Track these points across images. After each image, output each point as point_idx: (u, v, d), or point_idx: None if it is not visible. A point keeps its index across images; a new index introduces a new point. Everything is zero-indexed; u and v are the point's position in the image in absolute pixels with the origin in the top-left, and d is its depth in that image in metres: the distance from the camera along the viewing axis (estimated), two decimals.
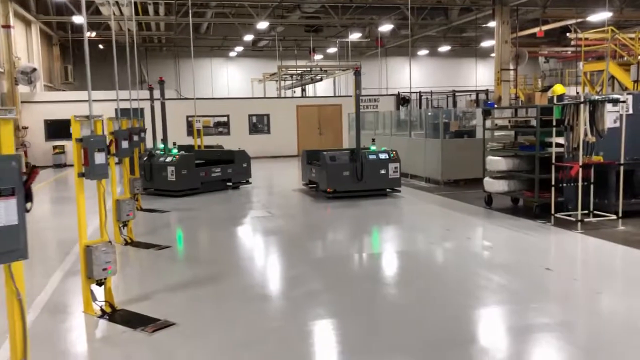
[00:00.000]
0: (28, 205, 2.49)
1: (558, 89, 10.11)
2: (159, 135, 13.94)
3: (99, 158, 5.18)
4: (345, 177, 11.74)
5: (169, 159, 12.85)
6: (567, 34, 27.79)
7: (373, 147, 12.43)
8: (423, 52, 36.89)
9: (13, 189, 2.39)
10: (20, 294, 2.62)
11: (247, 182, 14.31)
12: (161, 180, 12.74)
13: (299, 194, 13.02)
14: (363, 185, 11.81)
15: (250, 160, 14.34)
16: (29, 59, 22.61)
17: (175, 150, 13.40)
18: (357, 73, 12.08)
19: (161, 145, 13.84)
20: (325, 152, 12.25)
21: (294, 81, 34.59)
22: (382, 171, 11.93)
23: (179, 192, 12.64)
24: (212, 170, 13.40)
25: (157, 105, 13.88)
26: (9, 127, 2.57)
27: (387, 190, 12.21)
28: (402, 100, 25.41)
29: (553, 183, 8.53)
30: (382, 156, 12.05)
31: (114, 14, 22.19)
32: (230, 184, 13.84)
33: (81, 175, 5.15)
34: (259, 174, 16.91)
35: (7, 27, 19.52)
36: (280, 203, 12.27)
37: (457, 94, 30.05)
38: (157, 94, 13.87)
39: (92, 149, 5.13)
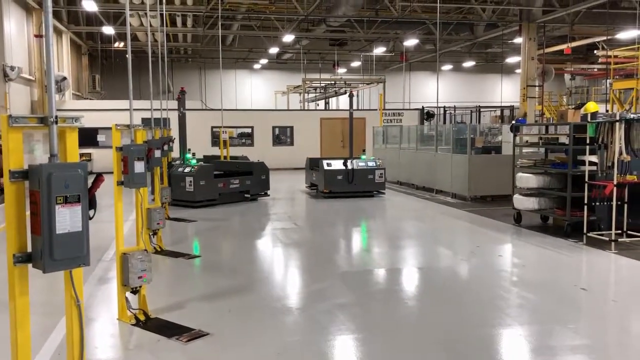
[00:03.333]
0: (91, 212, 2.53)
1: (591, 106, 10.00)
2: (188, 145, 14.05)
3: (139, 167, 5.24)
4: (339, 180, 14.21)
5: (187, 170, 12.82)
6: (595, 51, 27.53)
7: (363, 157, 14.96)
8: (447, 67, 36.84)
9: (79, 196, 2.42)
10: (79, 300, 2.64)
11: (265, 194, 14.32)
12: (179, 190, 12.67)
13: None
14: (354, 187, 14.29)
15: (268, 172, 14.37)
16: (59, 67, 23.04)
17: (194, 161, 13.40)
18: (351, 95, 15.00)
19: (187, 155, 13.91)
20: (323, 159, 14.67)
21: (317, 94, 34.74)
22: (370, 176, 14.42)
23: (197, 202, 12.60)
24: (231, 182, 13.38)
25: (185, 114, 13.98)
26: (75, 135, 2.62)
27: (374, 192, 14.66)
28: (426, 115, 25.35)
29: (586, 202, 8.41)
30: (370, 164, 14.58)
31: (142, 24, 22.60)
32: (248, 195, 13.82)
33: (120, 183, 5.21)
34: (281, 185, 17.25)
35: (39, 36, 19.96)
36: (299, 212, 12.50)
37: (481, 109, 29.90)
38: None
39: (132, 158, 5.19)
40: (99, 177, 2.59)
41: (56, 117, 2.44)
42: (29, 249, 2.53)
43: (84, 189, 2.44)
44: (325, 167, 14.17)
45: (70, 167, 2.47)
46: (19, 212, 2.52)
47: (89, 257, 2.53)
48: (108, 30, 22.97)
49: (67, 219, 2.40)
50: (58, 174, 2.43)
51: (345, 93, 32.45)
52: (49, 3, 2.35)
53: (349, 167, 14.14)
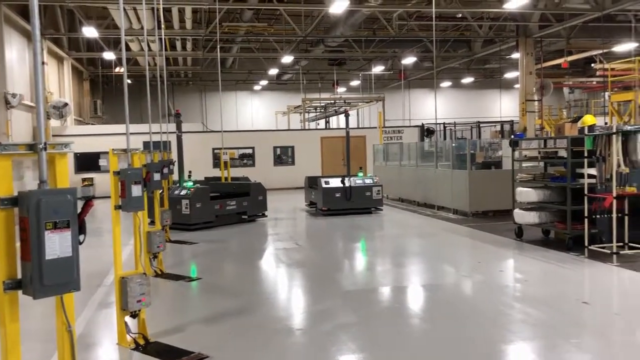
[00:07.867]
0: (81, 237, 2.53)
1: (588, 119, 10.01)
2: (187, 167, 14.05)
3: (136, 190, 5.25)
4: (337, 197, 14.43)
5: (183, 192, 12.71)
6: (592, 65, 27.65)
7: (360, 174, 15.23)
8: (446, 83, 37.01)
9: (68, 222, 2.43)
10: (70, 326, 2.64)
11: (263, 215, 14.26)
12: (175, 213, 12.29)
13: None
14: (351, 204, 14.49)
15: (266, 193, 14.33)
16: (61, 93, 23.22)
17: (190, 183, 13.31)
18: (347, 114, 15.85)
19: (186, 178, 13.84)
20: (321, 178, 14.97)
21: (318, 113, 34.89)
22: (367, 193, 14.65)
23: (193, 225, 12.46)
24: (227, 203, 13.23)
25: (184, 137, 13.99)
26: (65, 161, 2.64)
27: (372, 208, 14.87)
28: (426, 132, 25.41)
29: (586, 215, 8.38)
30: (367, 181, 14.85)
31: (142, 49, 22.81)
32: (245, 217, 13.69)
33: (117, 207, 5.22)
34: (281, 204, 17.40)
35: (41, 63, 20.15)
36: (298, 231, 12.37)
37: (481, 125, 29.96)
38: (184, 126, 14.01)
39: (129, 182, 5.20)
40: (88, 202, 2.60)
41: (45, 143, 2.47)
42: (19, 276, 2.53)
43: (73, 214, 2.46)
44: (324, 185, 14.44)
45: (59, 192, 2.48)
46: (9, 238, 2.52)
47: (79, 282, 2.53)
48: (108, 55, 23.18)
49: (56, 244, 2.41)
50: (47, 199, 2.44)
51: (344, 112, 32.65)
52: (37, 31, 2.39)
53: (347, 184, 14.42)
